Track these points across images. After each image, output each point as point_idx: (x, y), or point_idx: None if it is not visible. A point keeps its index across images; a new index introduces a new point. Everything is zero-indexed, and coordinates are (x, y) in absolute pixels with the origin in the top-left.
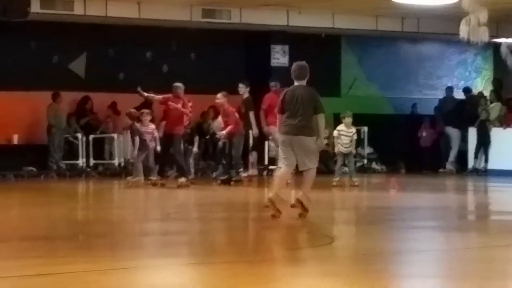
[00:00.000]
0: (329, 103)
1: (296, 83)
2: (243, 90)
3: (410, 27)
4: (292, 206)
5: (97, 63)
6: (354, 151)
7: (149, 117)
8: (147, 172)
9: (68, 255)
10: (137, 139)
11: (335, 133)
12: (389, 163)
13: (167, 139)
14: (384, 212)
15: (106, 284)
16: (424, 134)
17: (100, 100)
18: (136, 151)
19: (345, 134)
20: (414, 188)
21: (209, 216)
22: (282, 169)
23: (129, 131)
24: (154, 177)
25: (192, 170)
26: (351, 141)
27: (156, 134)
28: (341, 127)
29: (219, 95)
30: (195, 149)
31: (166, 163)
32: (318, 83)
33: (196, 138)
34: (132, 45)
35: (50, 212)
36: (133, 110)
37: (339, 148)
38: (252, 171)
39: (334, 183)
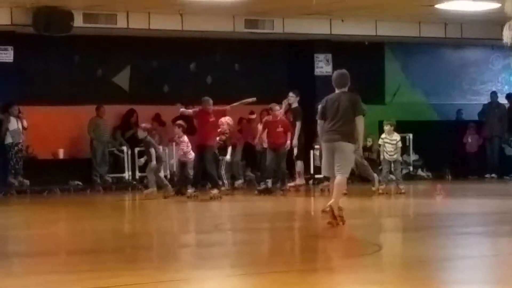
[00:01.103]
0: (373, 110)
1: (337, 91)
2: (293, 100)
3: (453, 33)
4: (323, 211)
5: (141, 76)
6: (400, 159)
7: (180, 129)
8: (184, 183)
9: (115, 269)
10: (152, 151)
11: (380, 141)
12: (435, 170)
13: (200, 151)
14: (431, 219)
15: None
16: (469, 140)
17: (145, 112)
18: (153, 163)
19: (388, 142)
20: (460, 194)
21: (254, 226)
22: (338, 177)
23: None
24: (189, 189)
25: (226, 181)
26: (395, 148)
27: (185, 147)
28: (384, 134)
29: (277, 107)
30: (228, 157)
31: (199, 175)
32: (362, 91)
33: (229, 148)
34: (176, 57)
35: (96, 225)
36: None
37: (384, 155)
38: (300, 181)
39: (380, 191)
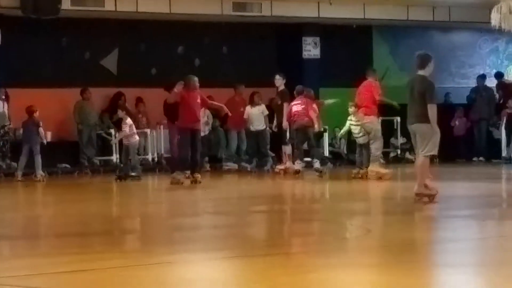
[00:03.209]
0: None
1: (417, 72)
2: (280, 82)
3: (442, 17)
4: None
5: (129, 59)
6: (362, 141)
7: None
8: (127, 168)
9: (103, 251)
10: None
11: (347, 124)
12: None
13: (191, 134)
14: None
15: (143, 279)
16: (457, 123)
17: (132, 95)
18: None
19: (353, 124)
20: (448, 177)
21: (243, 209)
22: (419, 159)
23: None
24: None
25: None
26: (361, 130)
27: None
28: (350, 117)
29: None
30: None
31: (196, 159)
32: (350, 74)
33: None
34: (164, 40)
35: (84, 208)
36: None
37: (356, 139)
38: (289, 163)
39: (353, 175)
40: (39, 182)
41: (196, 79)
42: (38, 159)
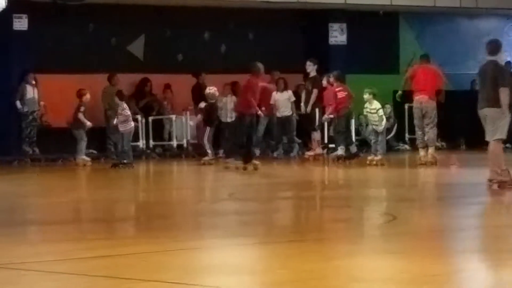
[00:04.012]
0: (388, 80)
1: (488, 58)
2: (311, 68)
3: (468, 3)
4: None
5: (155, 45)
6: (380, 129)
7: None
8: (122, 156)
9: (130, 237)
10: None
11: (364, 111)
12: (450, 140)
13: (255, 120)
14: (444, 189)
15: (169, 265)
16: None
17: (158, 81)
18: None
19: (369, 111)
20: (475, 164)
21: (270, 196)
22: (490, 145)
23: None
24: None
25: (210, 151)
26: (377, 117)
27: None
28: (366, 104)
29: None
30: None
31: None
32: (377, 60)
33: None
34: (190, 26)
35: (110, 194)
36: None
37: (372, 126)
38: (318, 150)
39: (374, 162)
40: (81, 167)
41: (261, 65)
42: (78, 144)
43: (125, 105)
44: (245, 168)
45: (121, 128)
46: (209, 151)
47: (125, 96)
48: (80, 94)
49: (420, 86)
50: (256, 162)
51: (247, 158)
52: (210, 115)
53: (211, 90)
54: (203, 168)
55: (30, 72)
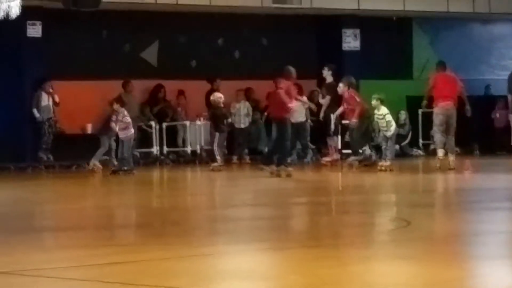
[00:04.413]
0: (401, 86)
1: None
2: (325, 73)
3: (481, 8)
4: None
5: (169, 51)
6: (389, 134)
7: (118, 105)
8: (122, 163)
9: (143, 243)
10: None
11: (374, 118)
12: (463, 145)
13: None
14: (458, 194)
15: (183, 271)
16: (497, 115)
17: (172, 87)
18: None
19: (377, 117)
20: (488, 169)
21: (286, 201)
22: None
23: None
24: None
25: (218, 157)
26: (385, 123)
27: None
28: (374, 110)
29: (341, 84)
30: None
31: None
32: (390, 66)
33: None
34: (204, 32)
35: (124, 200)
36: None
37: (382, 132)
38: (336, 155)
39: (378, 167)
40: (92, 171)
41: (293, 69)
42: (99, 149)
43: (125, 112)
44: (278, 175)
45: (121, 135)
46: (218, 157)
47: (126, 102)
48: (112, 102)
49: (445, 93)
50: (290, 168)
51: (281, 162)
52: (215, 122)
53: (214, 97)
54: (216, 174)
55: (47, 80)
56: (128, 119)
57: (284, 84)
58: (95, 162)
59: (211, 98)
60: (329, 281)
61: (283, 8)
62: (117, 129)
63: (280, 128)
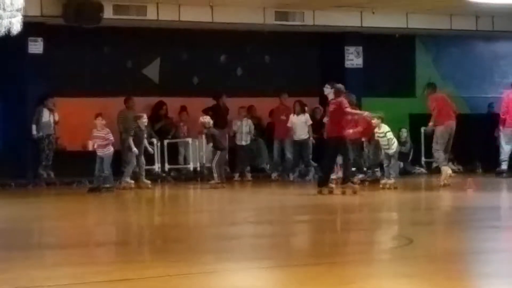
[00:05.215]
0: (404, 103)
1: None
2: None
3: (485, 26)
4: None
5: (171, 68)
6: (391, 152)
7: (103, 121)
8: (103, 181)
9: (143, 260)
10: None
11: (376, 136)
12: (466, 163)
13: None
14: (461, 212)
15: None
16: (500, 133)
17: (174, 104)
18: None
19: (378, 136)
20: (491, 188)
21: (285, 219)
22: None
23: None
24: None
25: (215, 175)
26: (386, 141)
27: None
28: (375, 129)
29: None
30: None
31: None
32: (393, 84)
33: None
34: (206, 49)
35: (125, 217)
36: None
37: (384, 150)
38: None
39: (381, 185)
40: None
41: (341, 86)
42: (126, 167)
43: (106, 130)
44: (320, 192)
45: (100, 152)
46: (215, 175)
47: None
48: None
49: (450, 112)
50: (332, 185)
51: (324, 182)
52: (213, 141)
53: (202, 119)
54: (216, 191)
55: (50, 96)
56: (111, 138)
57: (340, 101)
58: (126, 180)
59: (200, 120)
60: None
61: (286, 25)
62: (95, 145)
63: (335, 146)
